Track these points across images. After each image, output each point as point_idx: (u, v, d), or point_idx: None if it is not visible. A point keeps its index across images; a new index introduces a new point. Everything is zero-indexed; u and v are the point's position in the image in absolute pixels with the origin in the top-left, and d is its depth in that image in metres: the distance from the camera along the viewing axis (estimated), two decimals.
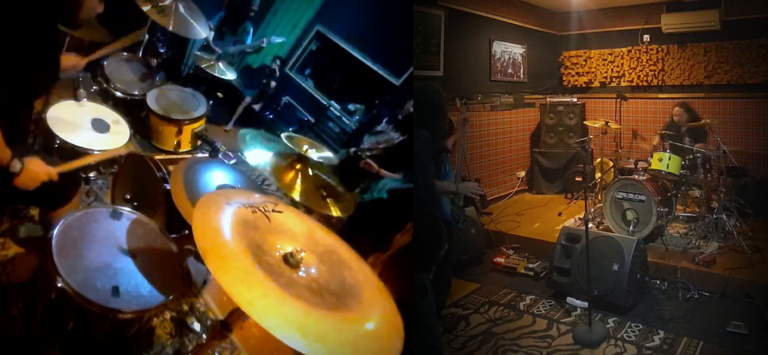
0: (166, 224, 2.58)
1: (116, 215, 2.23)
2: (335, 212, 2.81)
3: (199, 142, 3.90)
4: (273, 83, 5.77)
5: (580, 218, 5.48)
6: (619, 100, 6.89)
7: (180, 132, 4.09)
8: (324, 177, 2.99)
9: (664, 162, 4.98)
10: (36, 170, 2.19)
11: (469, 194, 3.28)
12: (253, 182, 3.17)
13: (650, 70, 6.93)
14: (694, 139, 5.43)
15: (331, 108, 5.69)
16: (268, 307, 1.43)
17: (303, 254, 1.68)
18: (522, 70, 7.17)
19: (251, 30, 5.83)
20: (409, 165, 3.67)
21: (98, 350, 2.03)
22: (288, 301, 1.48)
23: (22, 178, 2.15)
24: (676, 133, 5.51)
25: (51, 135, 3.03)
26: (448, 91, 3.36)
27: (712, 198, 5.09)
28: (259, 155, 2.87)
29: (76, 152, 3.15)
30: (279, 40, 5.75)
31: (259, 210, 1.80)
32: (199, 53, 5.21)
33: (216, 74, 4.83)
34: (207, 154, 3.28)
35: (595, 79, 7.45)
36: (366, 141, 4.59)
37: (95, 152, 3.21)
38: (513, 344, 3.54)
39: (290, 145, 2.98)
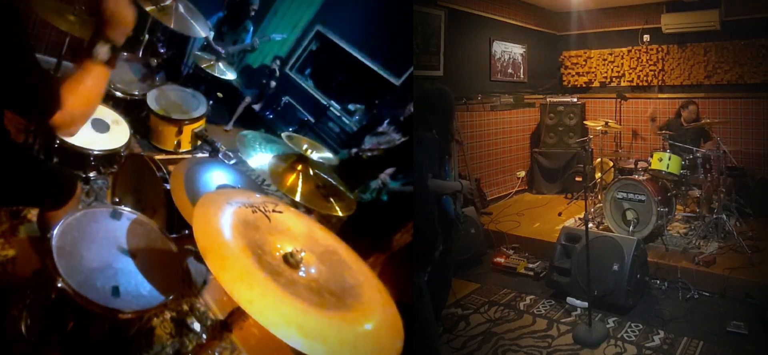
0: (166, 224, 2.58)
1: (116, 215, 2.23)
2: (337, 212, 2.81)
3: (199, 142, 3.90)
4: (273, 83, 5.79)
5: (580, 218, 5.48)
6: (619, 100, 6.89)
7: (180, 132, 4.10)
8: (325, 176, 2.99)
9: (664, 162, 4.97)
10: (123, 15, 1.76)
11: (467, 193, 3.29)
12: (253, 181, 3.17)
13: (650, 70, 6.93)
14: (696, 139, 5.43)
15: (331, 108, 5.70)
16: (267, 306, 1.43)
17: (303, 254, 1.68)
18: (522, 70, 7.17)
19: (251, 29, 5.84)
20: (408, 164, 3.67)
21: (98, 350, 2.04)
22: (288, 300, 1.48)
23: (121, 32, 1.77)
24: (677, 132, 5.51)
25: (51, 135, 3.03)
26: None
27: (712, 198, 5.09)
28: (259, 156, 2.87)
29: (76, 153, 3.17)
30: (279, 37, 5.76)
31: (260, 210, 1.81)
32: (199, 53, 5.22)
33: (216, 74, 4.84)
34: (207, 154, 3.29)
35: (595, 79, 7.45)
36: (367, 142, 4.60)
37: (96, 152, 3.21)
38: (513, 344, 3.54)
39: (290, 145, 2.98)
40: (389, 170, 4.02)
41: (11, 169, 2.09)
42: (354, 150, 4.67)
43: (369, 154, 4.52)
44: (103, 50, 1.75)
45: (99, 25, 1.76)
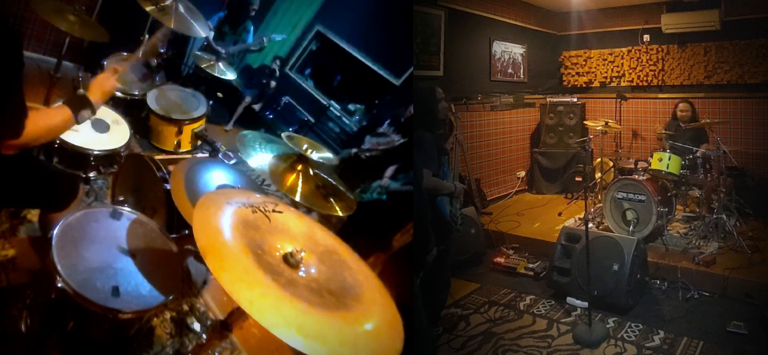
0: (166, 224, 2.58)
1: (116, 215, 2.23)
2: (337, 212, 2.81)
3: (199, 142, 3.91)
4: (273, 83, 5.79)
5: (580, 218, 5.48)
6: (619, 100, 6.89)
7: (180, 132, 4.10)
8: (325, 177, 2.99)
9: (664, 162, 4.97)
10: (104, 89, 2.22)
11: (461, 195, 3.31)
12: (253, 181, 3.17)
13: (650, 70, 6.93)
14: (695, 140, 5.42)
15: (331, 108, 5.70)
16: (267, 306, 1.43)
17: (303, 254, 1.68)
18: (522, 70, 7.17)
19: (252, 29, 5.84)
20: (408, 163, 3.67)
21: (98, 350, 2.04)
22: (288, 300, 1.48)
23: (98, 103, 2.18)
24: (676, 132, 5.51)
25: None
26: (448, 92, 3.36)
27: (712, 198, 5.09)
28: (259, 156, 2.87)
29: (76, 153, 3.16)
30: (279, 37, 5.76)
31: (260, 210, 1.81)
32: (199, 53, 5.22)
33: (216, 74, 4.84)
34: (207, 154, 3.29)
35: (595, 79, 7.45)
36: (367, 142, 4.61)
37: (96, 152, 3.22)
38: (513, 344, 3.54)
39: (290, 145, 2.98)
40: (390, 169, 4.02)
41: (15, 170, 2.10)
42: (353, 150, 4.68)
43: (368, 154, 4.52)
44: (85, 113, 2.10)
45: (87, 92, 2.13)
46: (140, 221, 2.29)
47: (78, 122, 2.11)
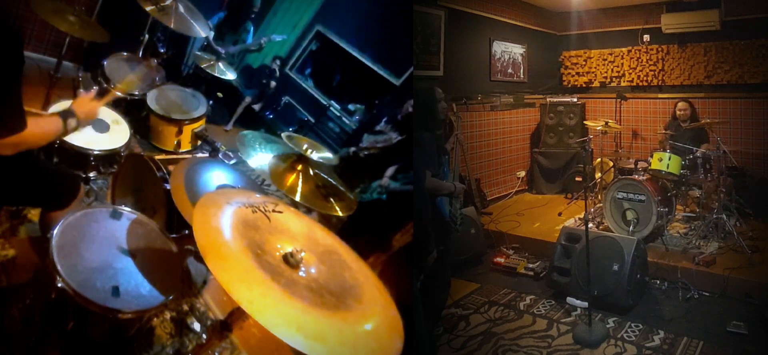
0: (166, 224, 2.58)
1: (116, 215, 2.23)
2: (337, 212, 2.81)
3: (199, 142, 3.91)
4: (273, 83, 5.79)
5: (580, 218, 5.48)
6: (619, 100, 6.90)
7: (180, 132, 4.10)
8: (325, 176, 2.99)
9: (664, 162, 4.97)
10: (88, 111, 2.31)
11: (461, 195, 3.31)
12: (253, 181, 3.17)
13: (650, 70, 6.93)
14: (695, 139, 5.42)
15: (331, 108, 5.70)
16: (267, 306, 1.43)
17: (303, 254, 1.68)
18: (522, 70, 7.17)
19: (251, 29, 5.84)
20: (408, 162, 3.67)
21: (98, 350, 2.04)
22: (288, 300, 1.48)
23: (83, 122, 2.28)
24: (676, 132, 5.50)
25: None
26: (448, 92, 3.35)
27: (712, 198, 5.09)
28: (259, 156, 2.87)
29: (76, 153, 3.17)
30: (279, 37, 5.76)
31: (260, 210, 1.81)
32: (199, 53, 5.22)
33: (216, 74, 4.84)
34: (207, 154, 3.28)
35: (595, 79, 7.45)
36: (365, 140, 4.60)
37: (96, 151, 3.22)
38: (513, 344, 3.54)
39: (290, 145, 2.98)
40: (391, 169, 4.02)
41: (15, 170, 2.10)
42: (352, 149, 4.68)
43: (366, 152, 4.52)
44: (72, 123, 2.19)
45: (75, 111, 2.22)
46: (140, 221, 2.29)
47: (67, 133, 2.22)
